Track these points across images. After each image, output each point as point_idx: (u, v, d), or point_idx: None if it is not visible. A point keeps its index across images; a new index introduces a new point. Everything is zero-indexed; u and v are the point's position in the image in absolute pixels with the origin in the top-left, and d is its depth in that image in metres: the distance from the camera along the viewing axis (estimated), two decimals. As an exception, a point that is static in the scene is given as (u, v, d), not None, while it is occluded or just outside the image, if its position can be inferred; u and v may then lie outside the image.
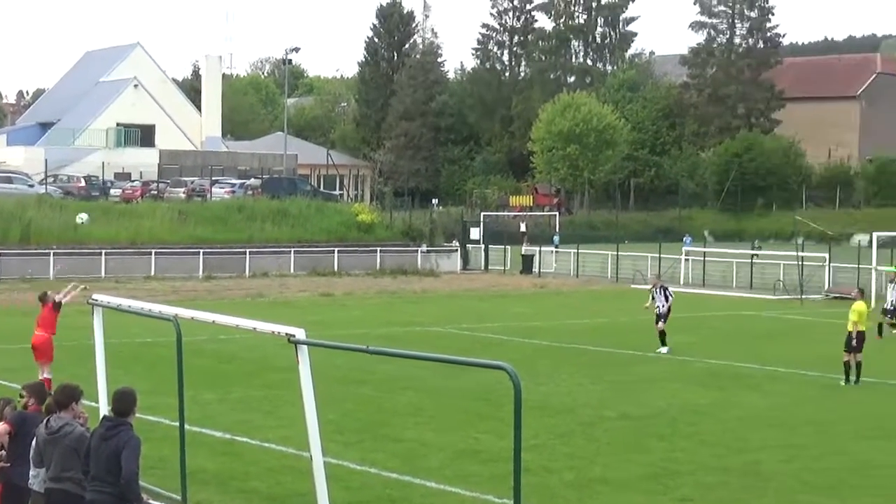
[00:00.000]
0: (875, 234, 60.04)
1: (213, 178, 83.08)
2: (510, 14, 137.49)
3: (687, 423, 24.51)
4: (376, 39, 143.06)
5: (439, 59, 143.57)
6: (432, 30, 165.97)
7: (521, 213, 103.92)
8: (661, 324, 36.76)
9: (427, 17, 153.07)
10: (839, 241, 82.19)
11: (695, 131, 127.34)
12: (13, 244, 61.47)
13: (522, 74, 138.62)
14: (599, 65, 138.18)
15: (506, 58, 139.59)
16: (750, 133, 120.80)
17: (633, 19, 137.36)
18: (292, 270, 66.61)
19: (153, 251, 63.64)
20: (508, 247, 75.09)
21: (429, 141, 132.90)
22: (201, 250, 64.95)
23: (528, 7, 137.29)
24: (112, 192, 79.87)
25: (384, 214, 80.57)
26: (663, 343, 36.49)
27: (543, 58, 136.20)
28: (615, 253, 69.72)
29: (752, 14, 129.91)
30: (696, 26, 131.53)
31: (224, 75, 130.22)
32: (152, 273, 62.23)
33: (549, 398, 26.97)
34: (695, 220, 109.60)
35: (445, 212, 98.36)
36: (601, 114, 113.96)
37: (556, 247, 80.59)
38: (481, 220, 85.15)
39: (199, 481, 18.20)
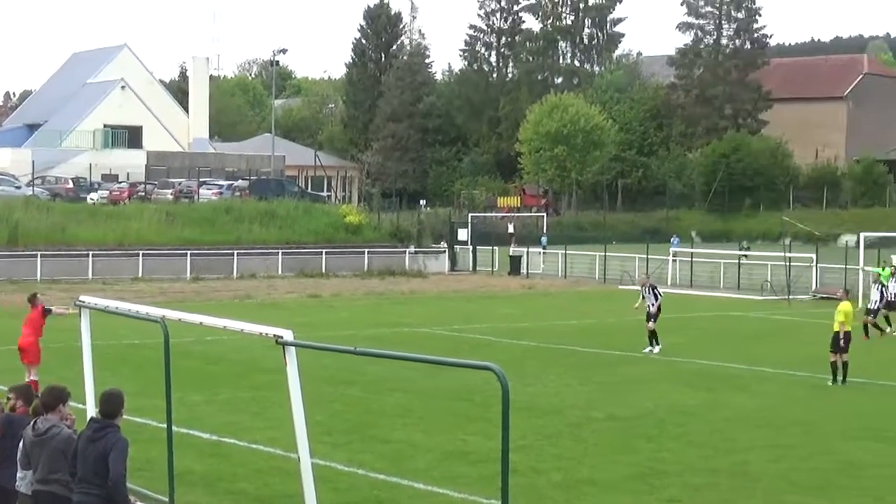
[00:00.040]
0: (862, 235, 60.09)
1: (201, 180, 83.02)
2: (497, 15, 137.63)
3: (675, 424, 24.52)
4: (364, 41, 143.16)
5: (427, 61, 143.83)
6: (420, 31, 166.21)
7: (508, 214, 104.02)
8: (651, 323, 36.78)
9: (414, 18, 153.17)
10: (826, 241, 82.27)
11: (682, 132, 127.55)
12: (0, 246, 61.34)
13: (510, 75, 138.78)
14: (587, 66, 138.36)
15: (493, 59, 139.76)
16: (737, 134, 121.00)
17: (620, 20, 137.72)
18: (280, 272, 66.56)
19: (140, 253, 63.54)
20: (496, 248, 75.05)
21: (416, 142, 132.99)
22: (189, 252, 64.86)
23: (516, 8, 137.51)
24: (99, 193, 79.67)
25: (372, 216, 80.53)
26: (653, 342, 36.51)
27: (531, 59, 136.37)
28: (603, 254, 69.74)
29: (739, 15, 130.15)
30: (684, 27, 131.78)
31: (211, 77, 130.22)
32: (140, 274, 62.13)
33: (536, 399, 26.97)
34: (682, 221, 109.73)
35: (433, 213, 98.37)
36: (589, 115, 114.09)
37: (544, 248, 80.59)
38: (469, 221, 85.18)
39: (187, 483, 18.17)
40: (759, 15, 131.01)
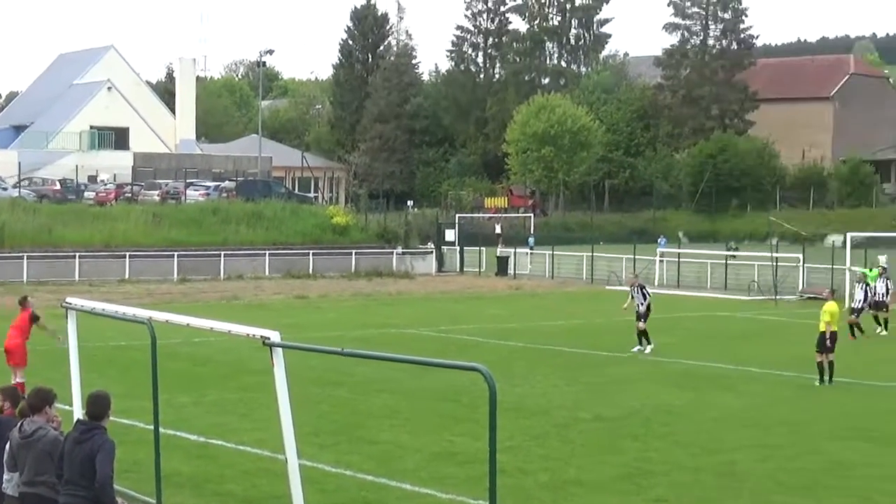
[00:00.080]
0: (849, 235, 60.18)
1: (188, 181, 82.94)
2: (484, 16, 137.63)
3: (661, 424, 24.55)
4: (350, 42, 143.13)
5: (414, 62, 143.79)
6: (406, 32, 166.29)
7: (496, 215, 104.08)
8: (641, 323, 36.79)
9: (401, 19, 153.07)
10: (813, 241, 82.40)
11: (669, 132, 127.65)
12: (-14, 248, 61.29)
13: (497, 76, 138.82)
14: (574, 66, 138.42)
15: (480, 60, 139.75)
16: (724, 134, 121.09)
17: (606, 21, 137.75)
18: (267, 273, 66.52)
19: (127, 254, 63.46)
20: (483, 248, 75.02)
21: (403, 143, 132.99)
22: (176, 253, 64.79)
23: (503, 9, 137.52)
24: (86, 195, 79.64)
25: (359, 217, 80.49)
26: (642, 342, 36.52)
27: (518, 59, 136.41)
28: (590, 254, 69.80)
29: (726, 15, 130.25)
30: (670, 28, 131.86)
31: (198, 78, 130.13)
32: (126, 276, 62.04)
33: (524, 400, 26.98)
34: (669, 222, 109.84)
35: (420, 214, 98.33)
36: (575, 115, 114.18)
37: (531, 248, 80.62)
38: (456, 221, 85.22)
39: (174, 484, 18.16)
40: (746, 15, 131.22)
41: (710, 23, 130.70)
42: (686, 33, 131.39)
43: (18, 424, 12.99)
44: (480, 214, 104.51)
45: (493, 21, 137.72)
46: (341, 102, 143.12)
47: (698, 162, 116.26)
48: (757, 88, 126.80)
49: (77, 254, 61.89)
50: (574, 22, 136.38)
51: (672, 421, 24.97)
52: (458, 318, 47.17)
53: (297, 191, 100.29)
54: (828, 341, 30.45)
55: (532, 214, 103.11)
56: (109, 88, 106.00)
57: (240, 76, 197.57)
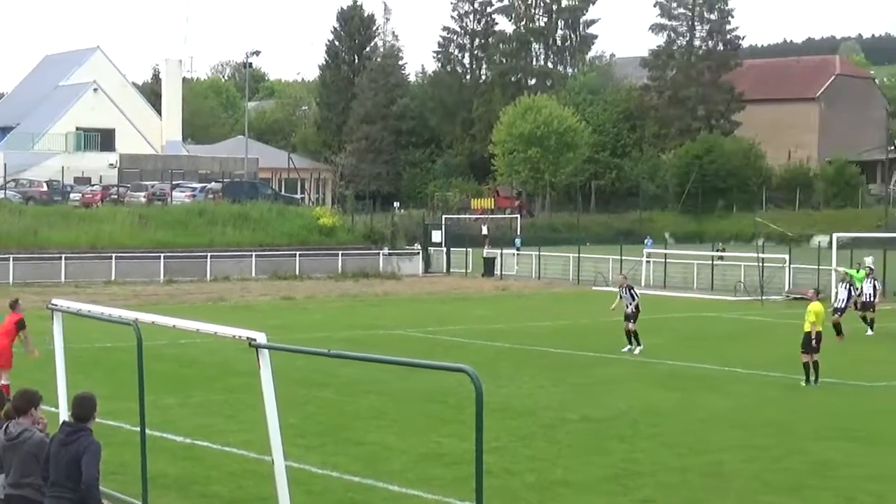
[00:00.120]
0: (834, 236, 60.36)
1: (174, 182, 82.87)
2: (471, 17, 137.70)
3: (648, 425, 24.56)
4: (337, 43, 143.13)
5: (400, 63, 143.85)
6: (393, 33, 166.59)
7: (482, 216, 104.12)
8: (631, 324, 36.77)
9: (388, 20, 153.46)
10: (799, 242, 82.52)
11: (655, 133, 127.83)
12: (-28, 249, 61.15)
13: (483, 77, 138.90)
14: (560, 67, 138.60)
15: (466, 61, 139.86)
16: (710, 135, 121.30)
17: (593, 22, 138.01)
18: (253, 274, 66.46)
19: (113, 255, 63.38)
20: (470, 249, 75.07)
21: (390, 144, 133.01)
22: (162, 254, 64.72)
23: (489, 10, 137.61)
24: (72, 196, 79.53)
25: (345, 218, 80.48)
26: (631, 342, 36.52)
27: (504, 60, 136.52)
28: (576, 255, 69.84)
29: (712, 16, 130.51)
30: (657, 29, 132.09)
31: (184, 79, 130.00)
32: (113, 277, 61.94)
33: (510, 401, 26.98)
34: (655, 222, 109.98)
35: (407, 215, 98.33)
36: (562, 116, 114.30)
37: (518, 249, 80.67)
38: (443, 222, 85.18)
39: (161, 486, 18.12)
40: (732, 16, 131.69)
41: (696, 24, 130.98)
42: (672, 34, 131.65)
43: (4, 426, 12.95)
44: (467, 215, 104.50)
45: (479, 22, 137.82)
46: (328, 103, 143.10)
47: (684, 163, 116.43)
48: (743, 89, 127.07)
49: (63, 255, 61.80)
50: (560, 23, 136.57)
51: (659, 422, 24.97)
52: (444, 319, 47.16)
53: (283, 192, 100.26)
54: (813, 341, 30.48)
55: (518, 215, 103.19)
56: (95, 90, 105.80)
57: (226, 77, 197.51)
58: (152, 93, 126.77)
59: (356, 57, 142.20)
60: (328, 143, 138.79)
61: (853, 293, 43.51)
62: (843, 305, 42.12)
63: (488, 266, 72.49)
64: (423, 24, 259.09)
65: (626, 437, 23.31)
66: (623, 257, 65.31)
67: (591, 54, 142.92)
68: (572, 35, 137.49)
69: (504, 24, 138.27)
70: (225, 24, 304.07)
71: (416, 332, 42.13)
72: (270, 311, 49.24)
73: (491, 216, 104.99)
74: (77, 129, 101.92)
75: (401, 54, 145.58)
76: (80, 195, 79.03)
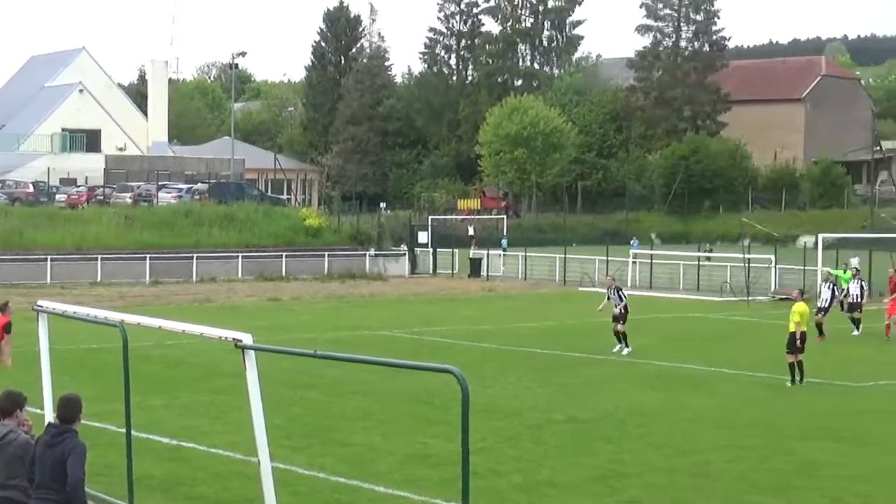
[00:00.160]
0: (820, 236, 60.44)
1: (160, 183, 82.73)
2: (457, 18, 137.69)
3: (635, 425, 24.58)
4: (323, 43, 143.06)
5: (386, 63, 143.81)
6: (379, 34, 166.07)
7: (469, 217, 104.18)
8: (620, 325, 36.77)
9: (374, 21, 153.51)
10: (785, 242, 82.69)
11: (641, 134, 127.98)
12: (-43, 251, 60.99)
13: (469, 78, 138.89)
14: (546, 68, 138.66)
15: (453, 61, 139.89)
16: (696, 136, 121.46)
17: (579, 23, 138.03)
18: (240, 275, 66.37)
19: (99, 257, 63.23)
20: (457, 250, 75.04)
21: (376, 145, 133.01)
22: (148, 255, 64.59)
23: (475, 11, 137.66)
24: (57, 197, 79.37)
25: (332, 219, 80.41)
26: (621, 343, 36.53)
27: (490, 61, 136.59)
28: (563, 256, 69.86)
29: (698, 17, 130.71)
30: (643, 30, 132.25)
31: (170, 80, 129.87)
32: (98, 279, 61.81)
33: (496, 401, 26.99)
34: (642, 223, 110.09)
35: (393, 215, 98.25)
36: (548, 117, 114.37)
37: (504, 250, 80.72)
38: (429, 223, 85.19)
39: (147, 487, 18.10)
40: (718, 17, 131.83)
41: (682, 25, 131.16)
42: (658, 35, 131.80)
43: (-11, 428, 12.91)
44: (453, 216, 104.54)
45: (465, 23, 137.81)
46: (314, 104, 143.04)
47: (671, 163, 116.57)
48: (729, 90, 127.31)
49: (49, 256, 61.65)
50: (547, 24, 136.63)
51: (645, 422, 24.99)
52: (431, 319, 47.16)
53: (269, 193, 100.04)
54: (798, 342, 30.53)
55: (505, 216, 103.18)
56: (81, 91, 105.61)
57: (212, 78, 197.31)
58: (138, 94, 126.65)
59: (342, 58, 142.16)
60: (314, 144, 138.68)
61: (837, 293, 43.61)
62: (826, 305, 42.17)
63: (475, 267, 72.49)
64: (409, 26, 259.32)
65: (613, 437, 23.33)
66: (609, 258, 65.33)
67: (577, 55, 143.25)
68: (558, 36, 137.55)
69: (490, 25, 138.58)
70: (211, 25, 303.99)
71: (403, 332, 42.11)
72: (257, 312, 49.20)
73: (477, 217, 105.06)
74: (63, 130, 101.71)
75: (387, 55, 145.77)
76: (66, 196, 78.81)
